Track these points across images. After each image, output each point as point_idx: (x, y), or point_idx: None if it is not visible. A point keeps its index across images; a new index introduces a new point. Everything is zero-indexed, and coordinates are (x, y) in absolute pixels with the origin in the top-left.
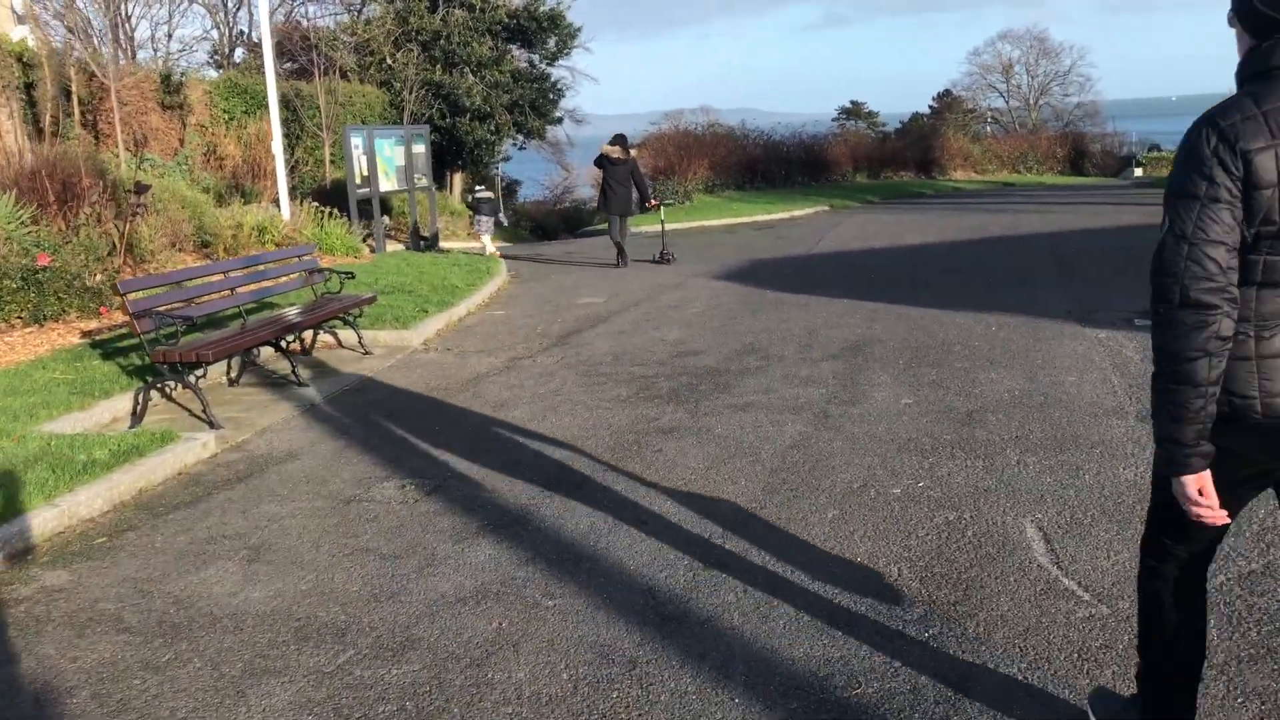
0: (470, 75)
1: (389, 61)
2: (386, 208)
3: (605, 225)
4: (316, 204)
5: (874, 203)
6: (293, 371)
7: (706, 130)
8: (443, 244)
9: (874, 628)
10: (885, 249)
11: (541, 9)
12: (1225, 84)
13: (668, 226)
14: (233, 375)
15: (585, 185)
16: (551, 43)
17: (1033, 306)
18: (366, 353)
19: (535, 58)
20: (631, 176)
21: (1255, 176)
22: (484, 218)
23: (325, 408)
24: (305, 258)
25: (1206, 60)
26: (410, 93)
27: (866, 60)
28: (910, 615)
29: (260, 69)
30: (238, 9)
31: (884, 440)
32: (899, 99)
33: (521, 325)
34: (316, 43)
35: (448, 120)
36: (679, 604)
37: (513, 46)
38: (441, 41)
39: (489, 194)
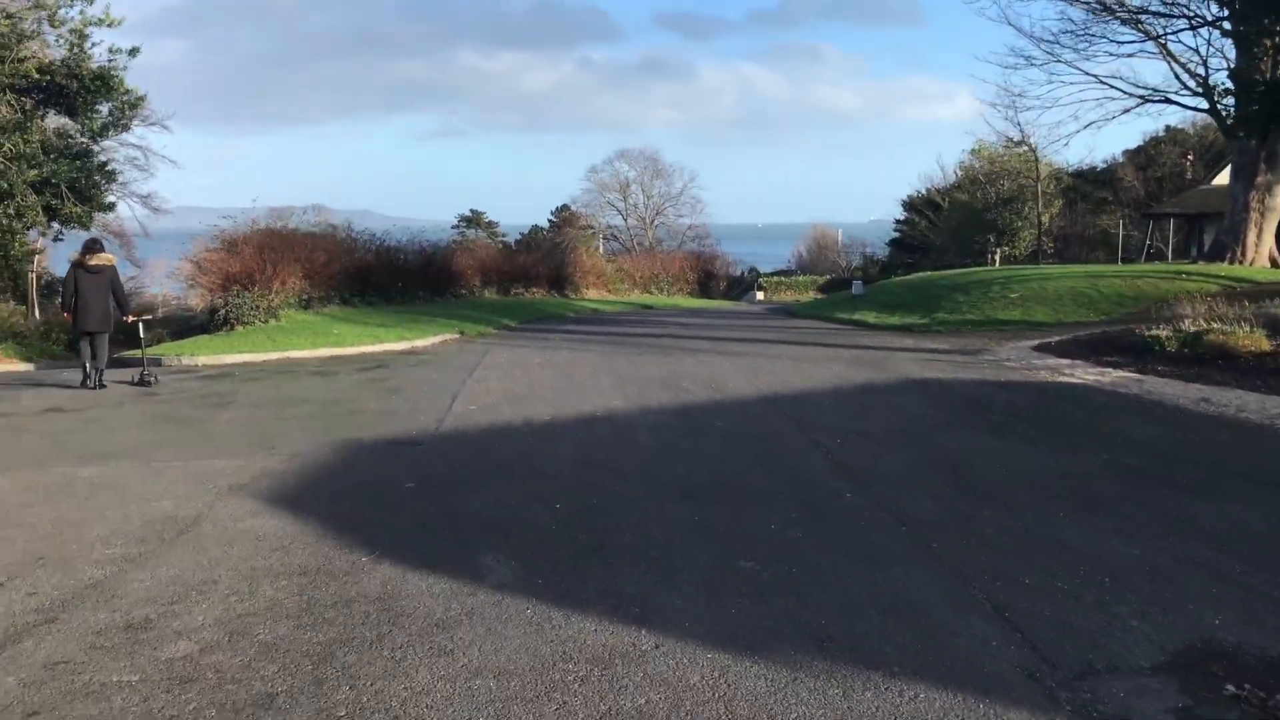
0: None
1: None
2: None
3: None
4: None
5: (512, 328)
6: None
7: (305, 230)
8: None
9: None
10: (554, 425)
11: (88, 66)
12: (801, 215)
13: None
14: None
15: (157, 284)
16: (105, 110)
17: (936, 649)
18: None
19: (83, 127)
20: (110, 286)
21: None
22: None
23: None
24: None
25: (784, 195)
26: None
27: (484, 171)
28: None
29: None
30: None
31: None
32: (518, 211)
33: None
34: None
35: None
36: None
37: (50, 111)
38: None
39: None
